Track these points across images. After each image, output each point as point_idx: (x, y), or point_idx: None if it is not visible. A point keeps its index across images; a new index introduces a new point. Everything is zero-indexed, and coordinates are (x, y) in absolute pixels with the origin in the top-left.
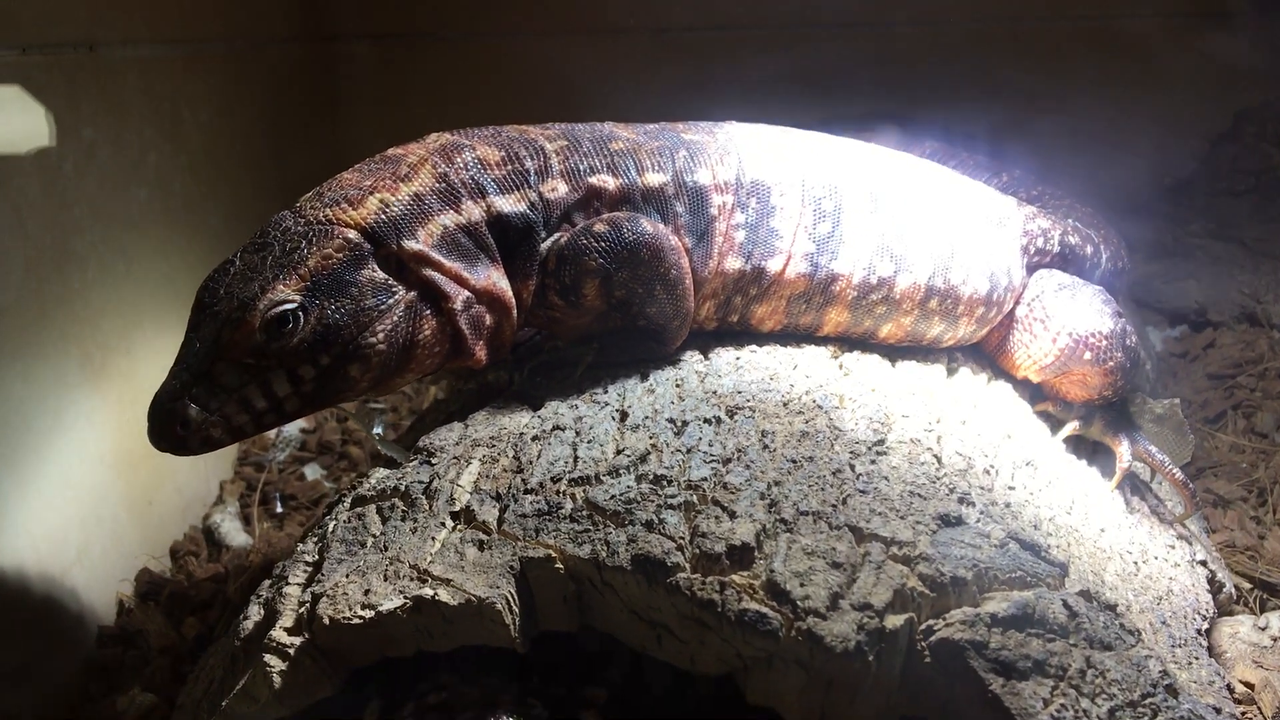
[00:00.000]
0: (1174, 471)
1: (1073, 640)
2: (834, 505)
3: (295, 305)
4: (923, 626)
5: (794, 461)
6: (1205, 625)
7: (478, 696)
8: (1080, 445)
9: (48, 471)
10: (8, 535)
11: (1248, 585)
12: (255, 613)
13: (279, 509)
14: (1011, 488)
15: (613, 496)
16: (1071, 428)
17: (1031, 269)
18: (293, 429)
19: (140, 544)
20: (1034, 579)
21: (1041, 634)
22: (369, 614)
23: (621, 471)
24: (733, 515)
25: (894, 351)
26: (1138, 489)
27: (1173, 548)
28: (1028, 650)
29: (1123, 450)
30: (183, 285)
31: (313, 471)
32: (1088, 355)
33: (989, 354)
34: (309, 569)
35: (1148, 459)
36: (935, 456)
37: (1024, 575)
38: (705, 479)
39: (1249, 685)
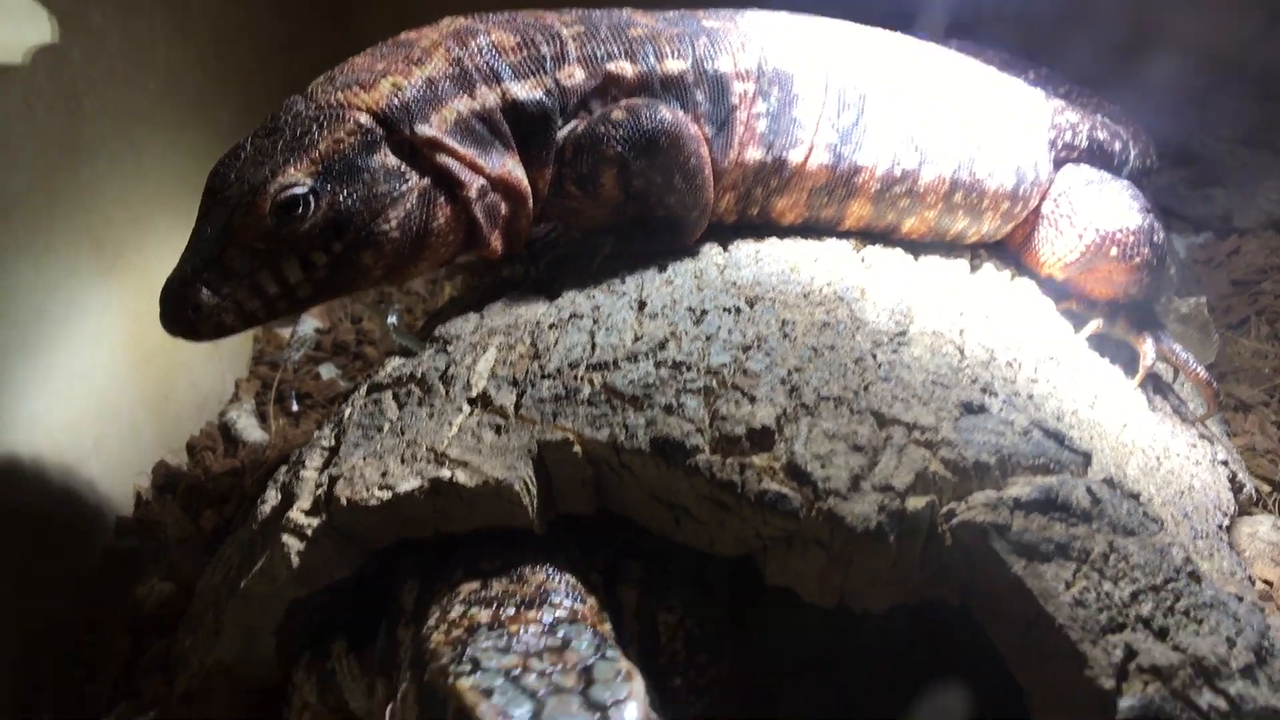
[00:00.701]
0: (1198, 370)
1: (1096, 525)
2: (855, 391)
3: (306, 189)
4: (944, 510)
5: (815, 350)
6: (1226, 522)
7: (530, 566)
8: (1103, 345)
9: (62, 362)
10: (24, 424)
11: (1267, 488)
12: (272, 497)
13: (295, 407)
14: (1034, 380)
15: (631, 381)
16: (1095, 325)
17: (1059, 164)
18: (307, 329)
19: (156, 438)
20: (1057, 466)
21: (1064, 518)
22: (386, 495)
23: (640, 357)
24: (753, 400)
25: (916, 247)
26: (1160, 389)
27: (1194, 446)
28: (1050, 534)
29: (1146, 348)
30: (194, 180)
31: (328, 371)
32: (1114, 251)
33: (1013, 251)
34: (326, 454)
35: (1171, 358)
36: (958, 348)
37: (1047, 462)
38: (725, 365)
39: (1268, 582)
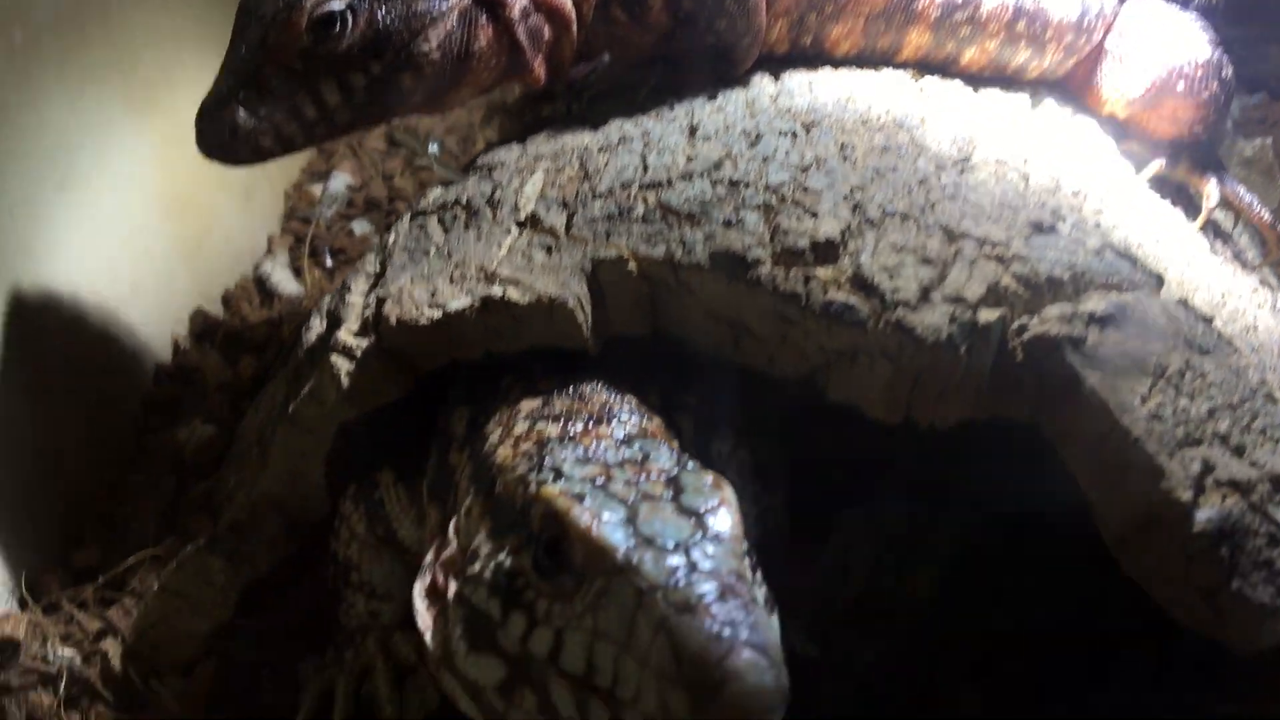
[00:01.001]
0: (1262, 213)
1: (1171, 343)
2: (922, 208)
3: (343, 5)
4: (1016, 324)
5: (876, 171)
6: None
7: (590, 385)
8: (1163, 188)
9: (95, 200)
10: (61, 261)
11: None
12: (318, 324)
13: (329, 263)
14: (1100, 211)
15: (687, 199)
16: (1157, 166)
17: None
18: (339, 185)
19: (192, 288)
20: (1130, 285)
21: (1140, 334)
22: (436, 314)
23: (694, 176)
24: (815, 215)
25: (975, 81)
26: (1220, 234)
27: (1256, 291)
28: (1126, 349)
29: (1209, 190)
30: (223, 19)
31: (361, 227)
32: (1181, 86)
33: (1073, 91)
34: (371, 279)
35: (1235, 200)
36: (1022, 176)
37: (1120, 281)
38: (784, 183)
39: None
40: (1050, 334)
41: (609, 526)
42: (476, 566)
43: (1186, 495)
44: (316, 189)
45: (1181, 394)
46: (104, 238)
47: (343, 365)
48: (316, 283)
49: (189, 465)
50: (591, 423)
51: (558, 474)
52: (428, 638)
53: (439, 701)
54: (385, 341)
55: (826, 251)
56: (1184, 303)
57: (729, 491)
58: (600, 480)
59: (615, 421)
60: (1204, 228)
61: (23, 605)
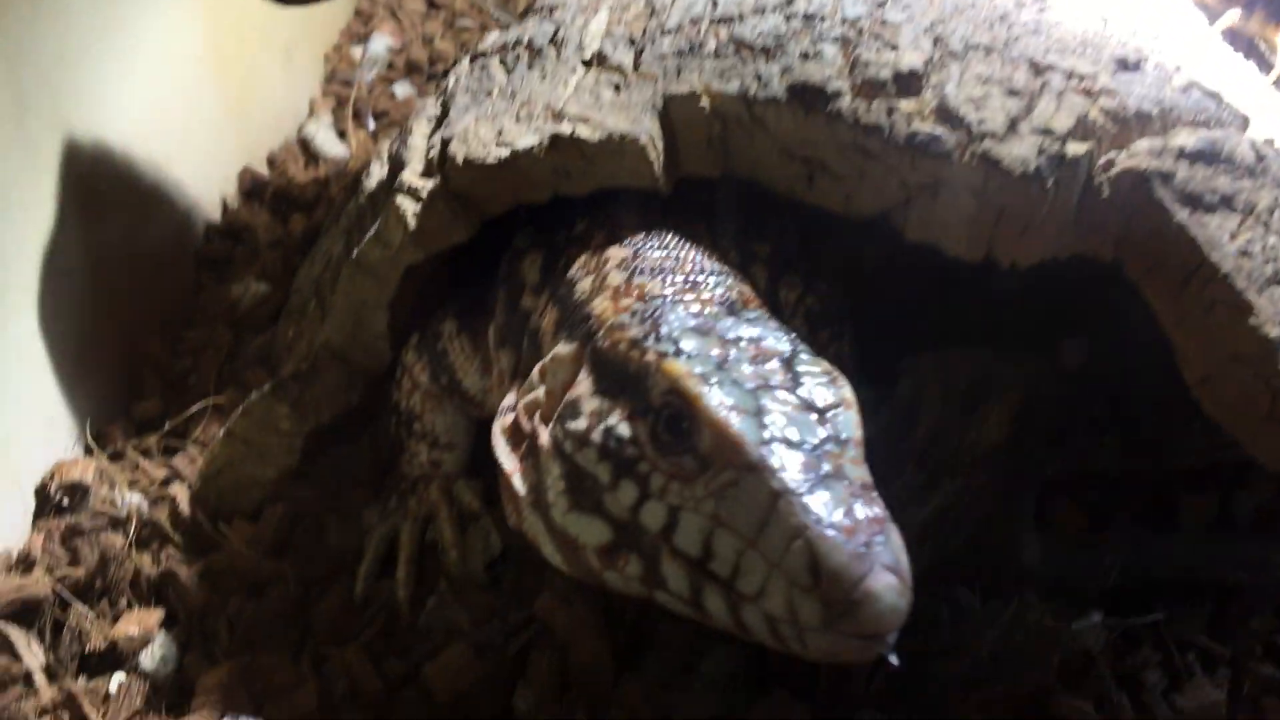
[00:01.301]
0: None
1: (1260, 181)
2: (1005, 42)
3: None
4: (1103, 159)
5: (955, 6)
6: None
7: (674, 239)
8: (1235, 41)
9: (142, 49)
10: (111, 108)
11: None
12: (379, 170)
13: (371, 126)
14: (1180, 53)
15: (761, 33)
16: (1231, 17)
17: None
18: (379, 47)
19: (238, 148)
20: (1217, 123)
21: (1229, 170)
22: (504, 153)
23: (767, 11)
24: (895, 47)
25: None
26: None
27: None
28: (1215, 184)
29: None
30: None
31: (403, 89)
32: None
33: None
34: (434, 121)
35: None
36: (1100, 18)
37: (1208, 118)
38: (861, 16)
39: None
40: (1139, 168)
41: (742, 419)
42: (581, 424)
43: (1274, 332)
44: (356, 52)
45: (1271, 231)
46: (151, 88)
47: (409, 207)
48: (362, 144)
49: (244, 321)
50: (688, 282)
51: (677, 346)
52: (515, 481)
53: (501, 548)
54: (451, 183)
55: (909, 83)
56: (1271, 142)
57: (848, 390)
58: (722, 360)
59: (713, 283)
60: (1277, 82)
61: (88, 453)
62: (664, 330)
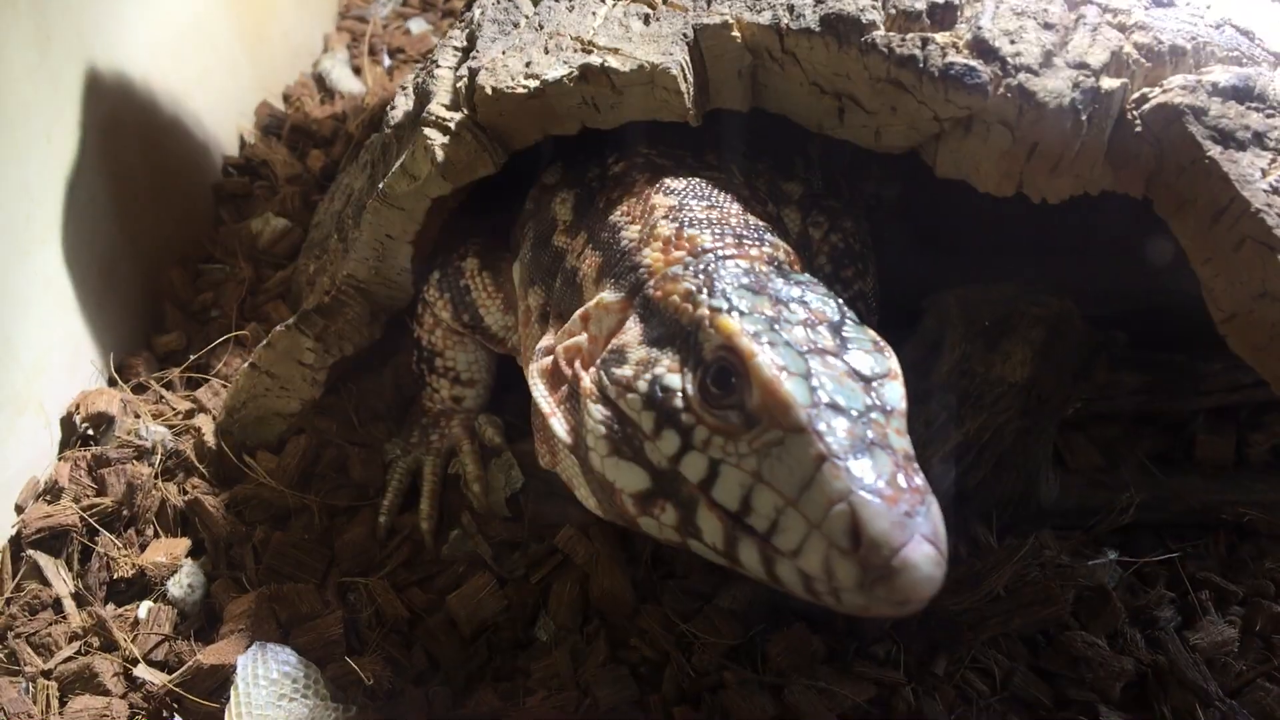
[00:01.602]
0: None
1: None
2: None
3: None
4: (1136, 95)
5: None
6: None
7: (719, 192)
8: None
9: None
10: (131, 46)
11: None
12: (404, 102)
13: (386, 62)
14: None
15: None
16: None
17: None
18: None
19: (255, 82)
20: (1250, 61)
21: (1262, 108)
22: (533, 84)
23: None
24: None
25: None
26: None
27: None
28: (1248, 121)
29: None
30: None
31: (417, 26)
32: None
33: None
34: (460, 53)
35: None
36: None
37: (1240, 56)
38: None
39: None
40: (1173, 103)
41: (794, 381)
42: (627, 371)
43: None
44: None
45: None
46: (168, 19)
47: (436, 138)
48: (377, 80)
49: (264, 256)
50: (735, 236)
51: (730, 304)
52: (554, 423)
53: (523, 482)
54: (480, 114)
55: (944, 15)
56: None
57: (894, 360)
58: (774, 320)
59: (757, 238)
60: None
61: (112, 384)
62: (718, 285)
